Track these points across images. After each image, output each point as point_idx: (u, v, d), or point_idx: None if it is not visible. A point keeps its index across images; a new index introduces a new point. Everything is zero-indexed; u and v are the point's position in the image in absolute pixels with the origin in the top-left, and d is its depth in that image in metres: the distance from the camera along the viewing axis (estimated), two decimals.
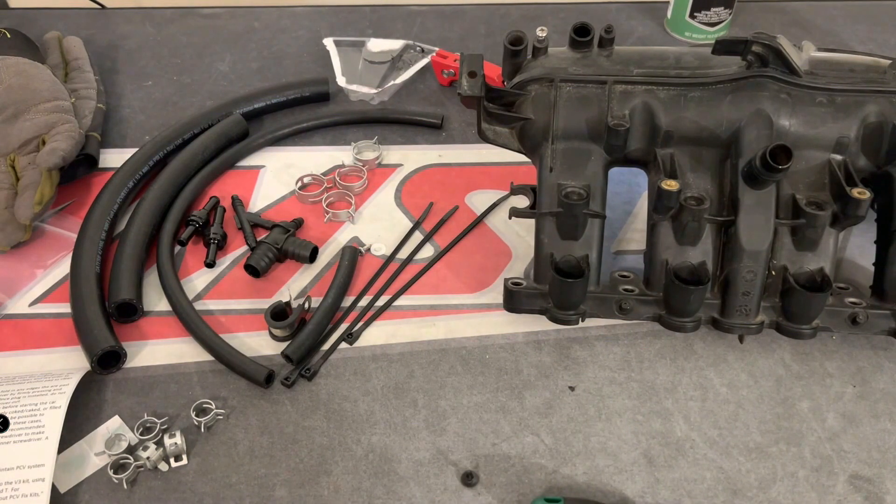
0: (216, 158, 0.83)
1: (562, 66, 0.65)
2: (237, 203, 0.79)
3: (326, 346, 0.67)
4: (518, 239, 0.76)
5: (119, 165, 0.80)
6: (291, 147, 0.87)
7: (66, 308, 0.68)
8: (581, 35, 0.65)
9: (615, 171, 0.67)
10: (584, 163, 0.64)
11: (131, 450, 0.58)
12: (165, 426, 0.60)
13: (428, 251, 0.75)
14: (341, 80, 0.92)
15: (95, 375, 0.64)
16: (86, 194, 0.80)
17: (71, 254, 0.72)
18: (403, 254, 0.75)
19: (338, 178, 0.81)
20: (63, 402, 0.58)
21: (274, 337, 0.67)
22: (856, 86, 0.62)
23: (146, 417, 0.60)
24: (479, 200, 0.80)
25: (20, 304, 0.70)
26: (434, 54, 0.95)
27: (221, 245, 0.75)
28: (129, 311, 0.68)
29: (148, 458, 0.57)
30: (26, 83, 0.81)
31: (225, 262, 0.74)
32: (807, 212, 0.60)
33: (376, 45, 0.99)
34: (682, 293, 0.60)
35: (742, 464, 0.59)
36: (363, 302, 0.70)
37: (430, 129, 0.89)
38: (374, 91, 0.91)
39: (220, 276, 0.73)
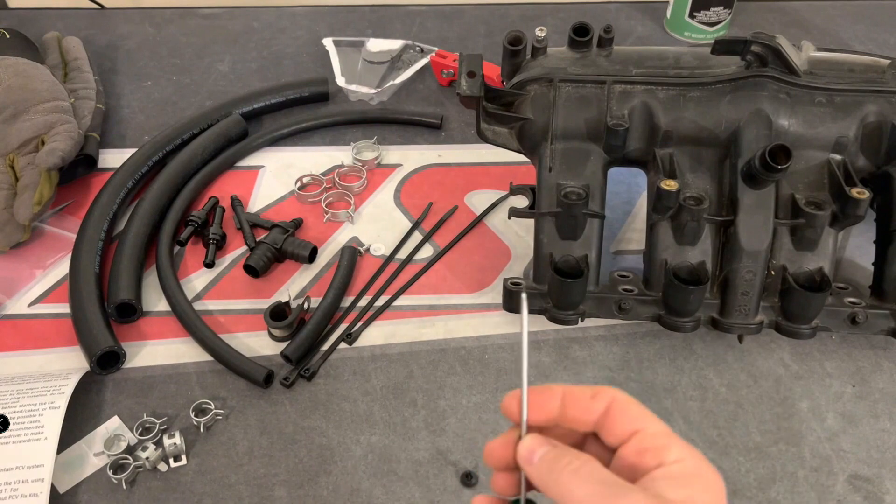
0: (215, 159, 0.83)
1: (561, 65, 0.65)
2: (236, 203, 0.79)
3: (326, 347, 0.67)
4: (517, 239, 0.76)
5: (118, 166, 0.80)
6: (291, 147, 0.87)
7: (65, 308, 0.68)
8: (580, 35, 0.65)
9: (614, 171, 0.67)
10: (583, 163, 0.64)
11: (130, 450, 0.58)
12: (165, 426, 0.60)
13: (427, 251, 0.75)
14: (340, 81, 0.92)
15: (95, 376, 0.64)
16: (85, 194, 0.80)
17: (70, 254, 0.72)
18: (403, 254, 0.75)
19: (337, 179, 0.81)
20: (62, 402, 0.58)
21: (273, 337, 0.67)
22: (855, 86, 0.62)
23: (145, 418, 0.60)
24: (478, 200, 0.80)
25: (19, 305, 0.70)
26: (433, 54, 0.95)
27: (221, 245, 0.75)
28: (128, 312, 0.68)
29: (147, 458, 0.57)
30: (25, 83, 0.81)
31: (224, 262, 0.74)
32: (806, 211, 0.60)
33: (375, 45, 0.99)
34: (681, 293, 0.60)
35: (741, 464, 0.59)
36: (362, 302, 0.70)
37: (429, 129, 0.89)
38: (373, 91, 0.91)
39: (220, 276, 0.73)
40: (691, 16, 1.03)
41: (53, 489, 0.56)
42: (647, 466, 0.35)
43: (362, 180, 0.81)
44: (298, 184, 0.81)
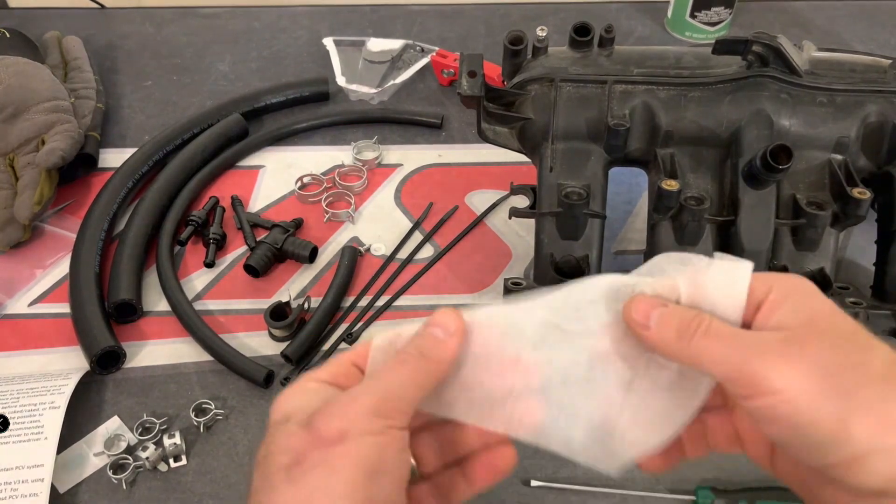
0: (216, 158, 0.83)
1: (562, 65, 0.64)
2: (237, 203, 0.79)
3: (326, 347, 0.67)
4: (518, 239, 0.76)
5: (118, 165, 0.80)
6: (291, 147, 0.87)
7: (65, 308, 0.68)
8: (581, 35, 0.65)
9: (615, 171, 0.67)
10: (584, 163, 0.64)
11: (130, 450, 0.58)
12: (165, 426, 0.60)
13: (428, 251, 0.75)
14: (341, 80, 0.92)
15: (95, 375, 0.64)
16: (85, 194, 0.80)
17: (70, 254, 0.72)
18: (403, 254, 0.75)
19: (337, 178, 0.81)
20: (62, 402, 0.58)
21: (273, 337, 0.67)
22: (856, 86, 0.62)
23: (145, 418, 0.60)
24: (479, 200, 0.80)
25: (19, 305, 0.70)
26: (434, 54, 0.95)
27: (221, 245, 0.75)
28: (128, 311, 0.68)
29: (147, 458, 0.57)
30: (25, 83, 0.81)
31: (224, 262, 0.74)
32: (807, 212, 0.60)
33: (376, 44, 0.99)
34: None
35: (743, 464, 0.59)
36: (363, 302, 0.70)
37: (429, 128, 0.89)
38: (373, 91, 0.91)
39: (220, 276, 0.73)
40: (692, 16, 1.03)
41: (53, 489, 0.56)
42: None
43: (363, 180, 0.81)
44: (299, 183, 0.81)
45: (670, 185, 0.59)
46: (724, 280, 0.36)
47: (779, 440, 0.33)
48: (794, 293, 0.35)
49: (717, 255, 0.37)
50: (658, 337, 0.35)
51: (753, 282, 0.35)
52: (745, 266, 0.36)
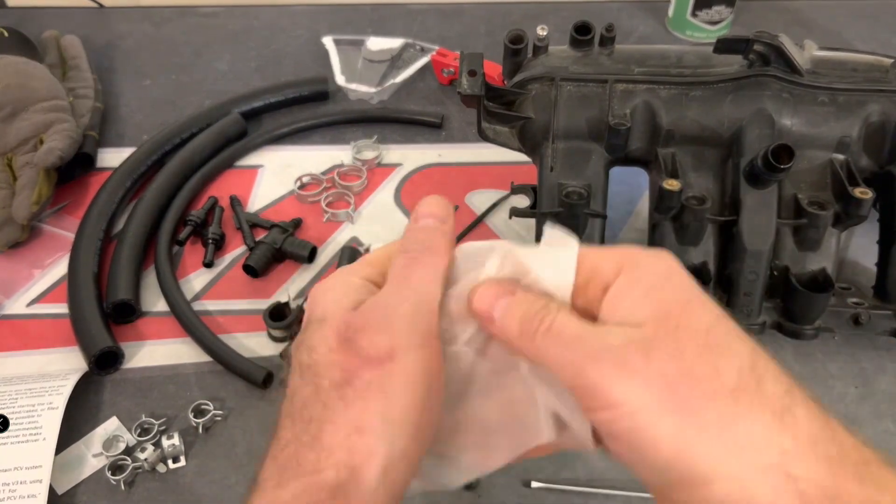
0: (214, 158, 0.82)
1: (562, 64, 0.64)
2: (235, 203, 0.78)
3: None
4: (519, 239, 0.76)
5: (117, 165, 0.80)
6: (290, 146, 0.87)
7: (63, 308, 0.68)
8: (582, 34, 0.65)
9: (616, 171, 0.66)
10: (584, 162, 0.64)
11: (129, 451, 0.58)
12: (163, 427, 0.60)
13: None
14: (340, 79, 0.92)
15: (93, 376, 0.63)
16: (83, 194, 0.80)
17: (69, 254, 0.72)
18: None
19: (337, 178, 0.81)
20: (61, 403, 0.58)
21: (272, 338, 0.67)
22: (858, 85, 0.61)
23: (144, 418, 0.60)
24: (479, 200, 0.80)
25: (17, 305, 0.70)
26: (434, 53, 0.95)
27: (220, 245, 0.74)
28: (126, 312, 0.67)
29: (146, 459, 0.57)
30: (24, 82, 0.81)
31: (223, 262, 0.74)
32: (809, 211, 0.59)
33: (376, 43, 0.98)
34: None
35: None
36: None
37: (429, 128, 0.89)
38: (373, 90, 0.91)
39: (219, 276, 0.72)
40: (693, 14, 1.02)
41: (52, 490, 0.56)
42: (596, 296, 0.30)
43: (362, 180, 0.81)
44: (298, 183, 0.81)
45: (672, 184, 0.59)
46: (550, 268, 0.31)
47: (621, 459, 0.29)
48: (646, 276, 0.29)
49: (547, 228, 0.33)
50: (501, 331, 0.31)
51: (601, 260, 0.31)
52: (570, 249, 0.31)
